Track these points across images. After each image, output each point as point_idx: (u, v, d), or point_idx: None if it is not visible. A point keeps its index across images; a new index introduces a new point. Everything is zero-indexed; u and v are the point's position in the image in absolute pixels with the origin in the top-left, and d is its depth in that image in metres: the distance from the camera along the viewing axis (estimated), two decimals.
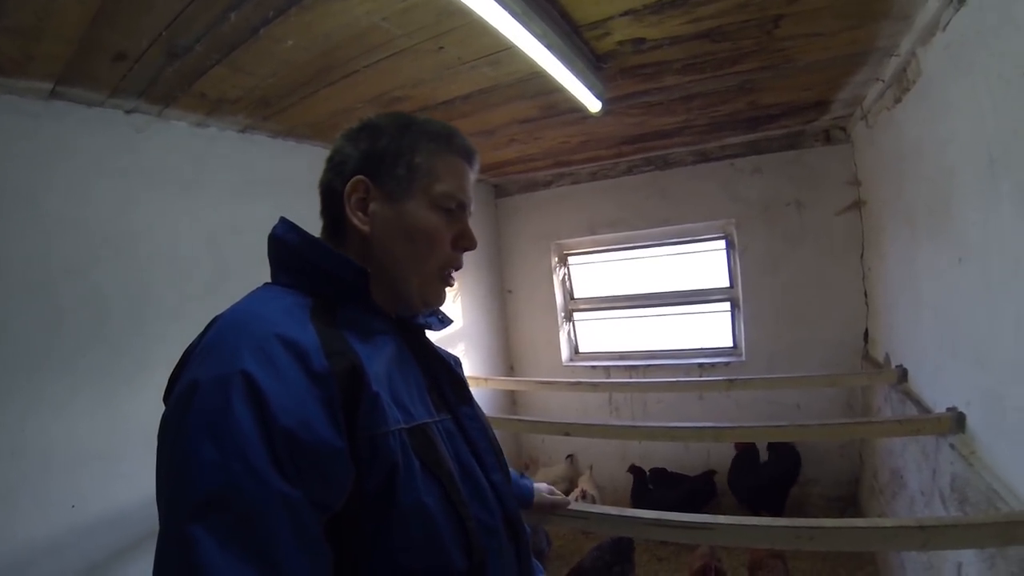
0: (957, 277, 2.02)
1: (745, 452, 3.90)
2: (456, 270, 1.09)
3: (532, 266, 4.90)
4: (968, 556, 1.83)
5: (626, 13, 1.92)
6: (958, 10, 1.75)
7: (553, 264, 4.82)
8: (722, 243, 4.30)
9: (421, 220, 1.01)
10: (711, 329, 4.41)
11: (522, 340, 5.02)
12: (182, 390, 0.74)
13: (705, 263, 4.41)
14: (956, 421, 2.01)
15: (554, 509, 1.66)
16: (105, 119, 2.14)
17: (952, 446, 2.01)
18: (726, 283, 4.29)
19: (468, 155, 1.09)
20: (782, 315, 3.94)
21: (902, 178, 2.62)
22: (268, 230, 0.99)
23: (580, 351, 4.95)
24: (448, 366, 1.13)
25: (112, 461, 2.04)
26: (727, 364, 4.15)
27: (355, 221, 1.00)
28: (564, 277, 4.91)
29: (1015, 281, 1.59)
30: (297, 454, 0.71)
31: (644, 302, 4.61)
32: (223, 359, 0.75)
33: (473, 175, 1.11)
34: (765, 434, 2.40)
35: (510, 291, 5.04)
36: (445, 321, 1.21)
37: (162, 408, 0.77)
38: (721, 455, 4.02)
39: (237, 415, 0.69)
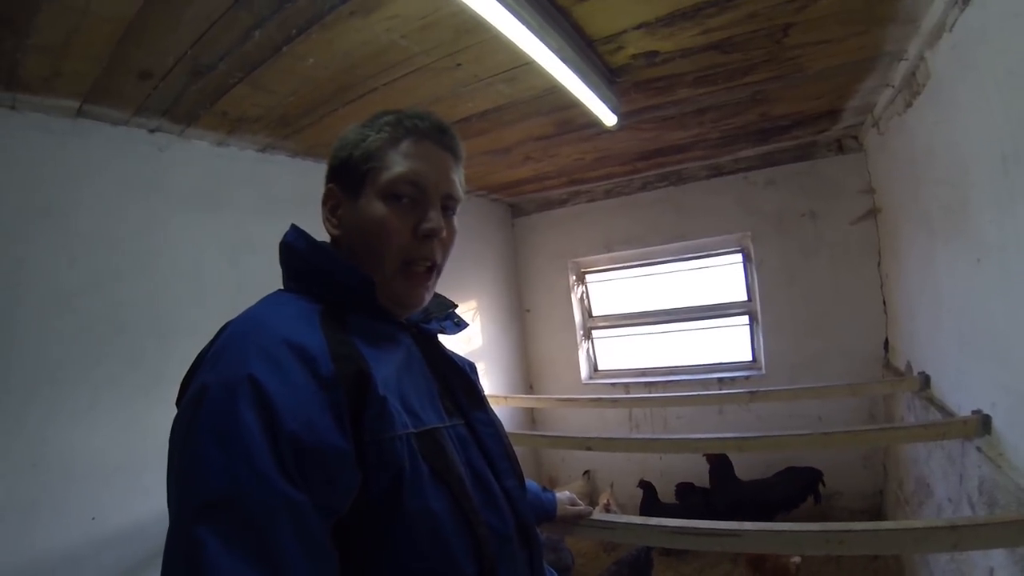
0: (976, 278, 2.01)
1: (718, 463, 3.85)
2: (427, 262, 1.01)
3: (550, 285, 4.92)
4: (999, 560, 1.79)
5: (639, 26, 1.96)
6: (963, 10, 1.77)
7: (571, 282, 4.84)
8: (739, 256, 4.31)
9: (371, 212, 0.97)
10: (730, 343, 4.39)
11: (541, 359, 5.02)
12: (192, 394, 0.76)
13: (722, 277, 4.40)
14: (982, 424, 1.98)
15: (578, 520, 1.63)
16: (130, 138, 2.20)
17: (979, 449, 1.97)
18: (744, 296, 4.28)
19: (429, 134, 1.01)
20: (801, 327, 3.92)
21: (917, 182, 2.61)
22: None
23: (599, 369, 4.94)
24: (462, 371, 1.11)
25: (132, 474, 2.06)
26: (747, 378, 4.13)
27: (327, 227, 1.03)
28: (582, 295, 4.92)
29: None
30: (302, 458, 0.71)
31: (662, 318, 4.60)
32: (232, 364, 0.76)
33: (445, 153, 1.03)
34: (789, 443, 2.37)
35: (528, 310, 5.06)
36: (461, 324, 1.19)
37: None
38: (742, 469, 3.97)
39: (244, 419, 0.70)
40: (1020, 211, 1.61)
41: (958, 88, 1.97)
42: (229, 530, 0.65)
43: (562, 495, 1.66)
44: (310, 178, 2.89)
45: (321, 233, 1.05)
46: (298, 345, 0.79)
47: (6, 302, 1.84)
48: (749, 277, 4.24)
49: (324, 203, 1.03)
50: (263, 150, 2.71)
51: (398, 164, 0.97)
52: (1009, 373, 1.80)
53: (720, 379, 4.21)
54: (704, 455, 3.82)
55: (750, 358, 4.29)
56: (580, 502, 1.69)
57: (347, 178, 0.99)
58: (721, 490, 3.84)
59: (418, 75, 2.09)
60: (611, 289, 4.91)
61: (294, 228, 1.01)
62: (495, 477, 0.99)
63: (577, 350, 4.82)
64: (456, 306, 1.20)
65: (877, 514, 3.76)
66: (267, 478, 0.68)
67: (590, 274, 4.94)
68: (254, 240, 2.57)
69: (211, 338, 0.88)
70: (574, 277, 4.87)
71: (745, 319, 4.29)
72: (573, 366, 4.83)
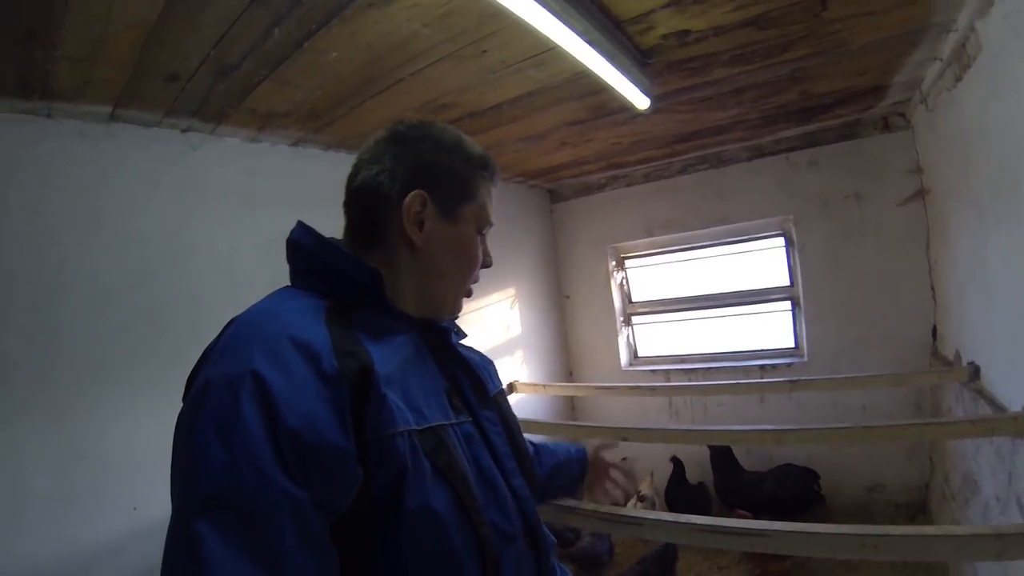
0: None
1: (720, 453, 3.85)
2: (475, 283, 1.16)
3: (589, 270, 4.87)
4: None
5: (668, 5, 1.88)
6: None
7: (610, 268, 4.78)
8: (781, 240, 4.19)
9: (469, 242, 1.09)
10: (772, 329, 4.29)
11: (581, 346, 4.98)
12: (196, 389, 0.78)
13: (764, 261, 4.29)
14: None
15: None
16: (162, 138, 2.24)
17: None
18: (786, 281, 4.17)
19: (497, 179, 1.16)
20: (845, 313, 3.80)
21: (967, 161, 2.49)
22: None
23: (639, 355, 4.88)
24: (470, 368, 1.12)
25: (169, 466, 2.09)
26: (789, 365, 4.02)
27: (412, 235, 1.02)
28: (622, 281, 4.87)
29: None
30: (303, 454, 0.72)
31: (703, 304, 4.52)
32: (235, 359, 0.77)
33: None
34: (828, 436, 2.30)
35: (568, 296, 5.02)
36: (460, 335, 1.22)
37: None
38: (783, 461, 3.91)
39: (245, 415, 0.71)
40: None
41: (1012, 60, 1.86)
42: (229, 525, 0.67)
43: (592, 441, 1.71)
44: (344, 169, 2.84)
45: (330, 230, 1.07)
46: (302, 341, 0.80)
47: (50, 304, 1.90)
48: (791, 261, 4.12)
49: (409, 207, 1.02)
50: (295, 144, 2.73)
51: (489, 205, 1.13)
52: None
53: (761, 366, 4.11)
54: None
55: (792, 345, 4.17)
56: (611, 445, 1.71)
57: (444, 197, 1.05)
58: (722, 478, 3.86)
59: (444, 63, 2.07)
60: (651, 274, 4.84)
61: (300, 225, 1.03)
62: (503, 476, 1.00)
63: (617, 337, 4.77)
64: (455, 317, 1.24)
65: (921, 509, 3.65)
66: (268, 474, 0.69)
67: (630, 259, 4.87)
68: (290, 232, 2.56)
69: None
70: (614, 262, 4.82)
71: (787, 305, 4.17)
72: (613, 353, 4.78)
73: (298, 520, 0.70)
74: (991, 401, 2.32)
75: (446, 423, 0.93)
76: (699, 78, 2.60)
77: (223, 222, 2.41)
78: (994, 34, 1.96)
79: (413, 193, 1.02)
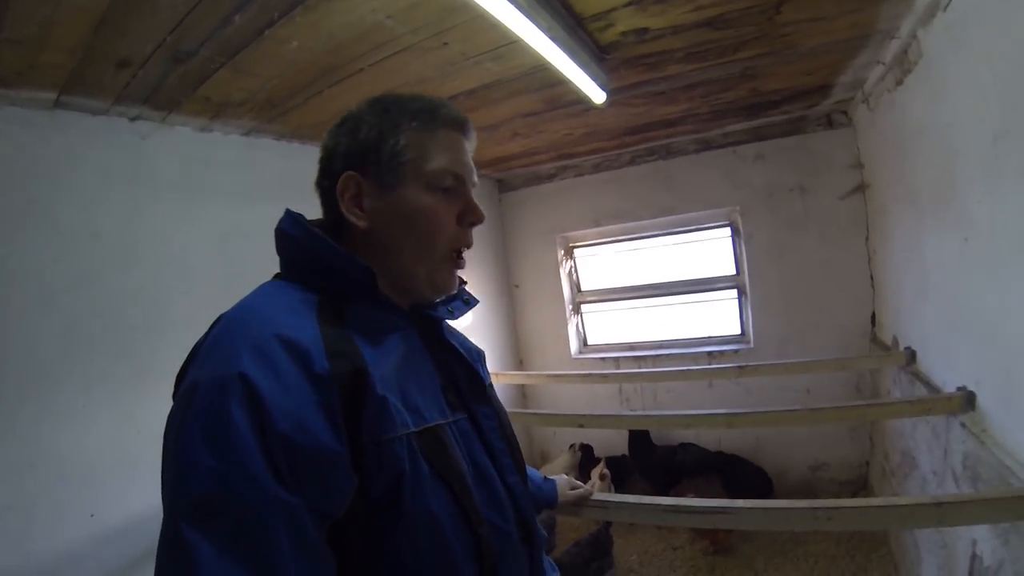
0: (964, 256, 2.03)
1: (637, 436, 4.19)
2: (467, 248, 1.05)
3: (538, 260, 4.91)
4: (982, 533, 1.85)
5: (629, 4, 1.93)
6: None
7: (559, 257, 4.83)
8: (727, 231, 4.31)
9: (419, 204, 0.97)
10: (719, 317, 4.42)
11: (530, 334, 5.03)
12: (183, 391, 0.75)
13: (711, 251, 4.42)
14: (966, 400, 2.02)
15: (580, 502, 1.67)
16: (110, 127, 2.16)
17: (963, 425, 2.02)
18: (732, 271, 4.30)
19: (458, 124, 1.03)
20: (789, 301, 3.95)
21: (905, 160, 2.62)
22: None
23: (589, 343, 4.96)
24: (465, 361, 1.09)
25: (127, 468, 2.07)
26: (736, 351, 4.16)
27: (352, 219, 0.98)
28: (570, 270, 4.92)
29: (1017, 258, 1.61)
30: (294, 459, 0.70)
31: (651, 292, 4.62)
32: (223, 360, 0.74)
33: (469, 144, 1.05)
34: (777, 419, 2.41)
35: (517, 285, 5.06)
36: (471, 302, 1.17)
37: None
38: (733, 443, 4.08)
39: (234, 419, 0.69)
40: (1008, 191, 1.64)
41: (950, 67, 1.97)
42: (221, 533, 0.65)
43: (561, 479, 1.69)
44: (296, 160, 2.86)
45: (314, 214, 1.04)
46: (292, 341, 0.77)
47: None
48: (738, 251, 4.25)
49: (342, 192, 0.97)
50: (248, 134, 2.67)
51: (441, 155, 0.99)
52: (996, 351, 1.84)
53: (709, 353, 4.24)
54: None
55: (739, 332, 4.31)
56: (580, 484, 1.73)
57: (378, 167, 0.97)
58: (637, 455, 4.22)
59: (405, 55, 2.05)
60: (600, 263, 4.92)
61: (289, 214, 0.98)
62: (498, 473, 0.98)
63: (566, 325, 4.83)
64: (465, 283, 1.15)
65: (863, 485, 3.85)
66: (259, 480, 0.67)
67: (579, 248, 4.94)
68: (242, 225, 2.55)
69: (205, 329, 0.87)
70: (562, 252, 4.87)
71: (734, 293, 4.30)
72: (563, 341, 4.85)
73: (292, 527, 0.68)
74: (927, 383, 2.48)
75: (443, 422, 0.91)
76: (654, 73, 2.66)
77: (174, 214, 2.34)
78: (935, 43, 2.06)
79: (344, 176, 0.97)
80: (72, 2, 1.45)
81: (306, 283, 0.92)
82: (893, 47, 2.45)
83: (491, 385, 1.15)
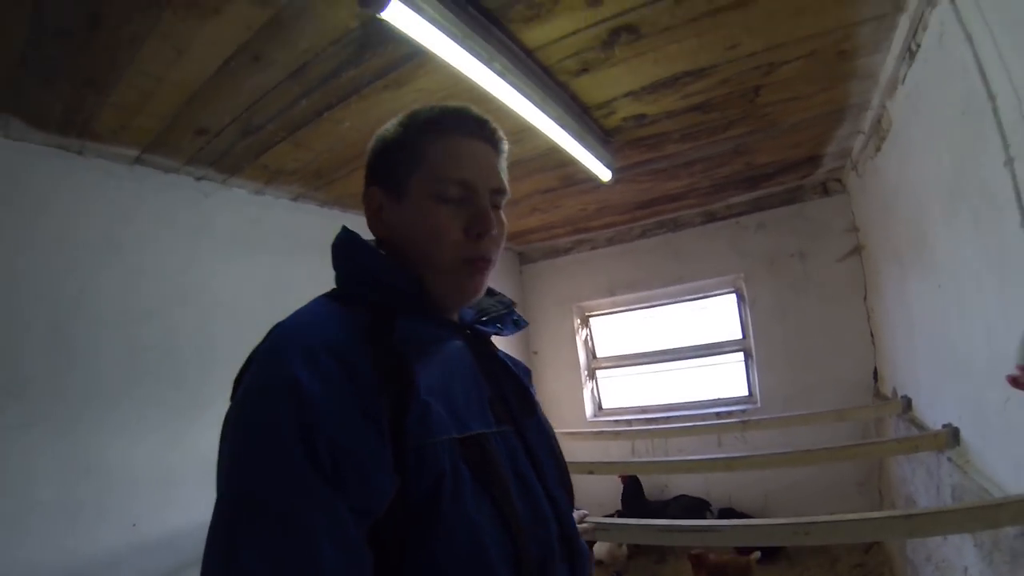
0: (939, 302, 2.25)
1: (630, 487, 4.26)
2: (483, 258, 0.97)
3: (556, 328, 5.13)
4: (972, 559, 1.96)
5: (627, 95, 2.29)
6: (911, 65, 2.06)
7: (575, 325, 5.05)
8: (733, 296, 4.54)
9: (422, 214, 0.93)
10: (727, 379, 4.58)
11: (548, 399, 5.13)
12: (239, 395, 0.79)
13: (718, 316, 4.64)
14: (952, 436, 2.17)
15: (589, 534, 1.73)
16: (178, 184, 2.47)
17: (950, 459, 2.16)
18: (739, 334, 4.49)
19: (470, 128, 0.97)
20: (794, 361, 4.11)
21: (888, 219, 2.88)
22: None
23: (603, 407, 5.11)
24: (514, 376, 1.06)
25: (171, 486, 2.24)
26: (743, 411, 4.29)
27: (374, 232, 1.00)
28: (586, 337, 5.14)
29: (979, 295, 1.82)
30: (339, 461, 0.71)
31: (662, 357, 4.81)
32: (275, 367, 0.77)
33: (488, 148, 1.00)
34: (773, 462, 2.55)
35: (535, 352, 5.25)
36: (520, 323, 1.13)
37: (216, 440, 0.80)
38: (743, 501, 4.17)
39: (282, 421, 0.71)
40: (965, 239, 1.87)
41: (912, 133, 2.26)
42: (266, 529, 0.67)
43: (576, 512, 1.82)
44: (337, 225, 3.07)
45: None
46: (340, 349, 0.79)
47: (68, 325, 2.06)
48: (743, 316, 4.45)
49: (366, 207, 0.99)
50: (295, 199, 2.98)
51: (445, 164, 0.94)
52: (971, 387, 2.01)
53: (718, 413, 4.38)
54: (619, 476, 4.22)
55: (746, 393, 4.47)
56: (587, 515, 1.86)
57: (390, 180, 0.97)
58: (630, 507, 4.24)
59: None
60: (614, 331, 5.13)
61: (344, 230, 0.99)
62: (542, 486, 0.95)
63: (582, 390, 5.00)
64: (514, 304, 1.14)
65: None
66: (304, 480, 0.69)
67: (594, 317, 5.17)
68: (287, 279, 2.81)
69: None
70: (579, 320, 5.09)
71: (740, 356, 4.48)
72: (579, 405, 5.01)
73: (334, 525, 0.69)
74: (920, 427, 2.62)
75: (487, 431, 0.90)
76: (654, 153, 2.99)
77: (229, 264, 2.61)
78: (899, 111, 2.35)
79: (367, 191, 0.99)
80: (173, 79, 1.77)
81: (357, 296, 0.93)
82: (869, 117, 2.75)
83: (537, 403, 1.11)
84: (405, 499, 0.77)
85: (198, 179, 2.54)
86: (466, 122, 0.97)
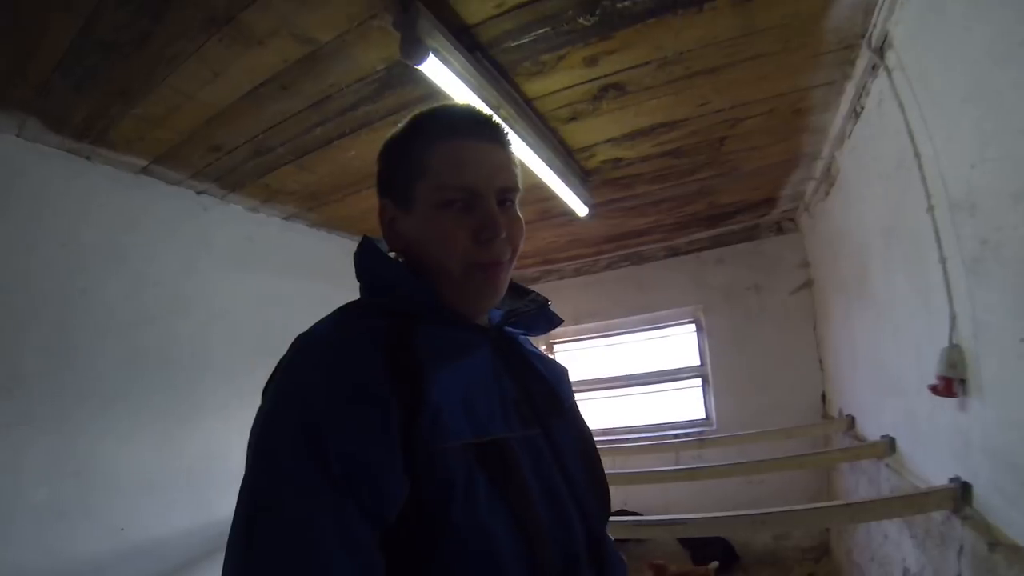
0: (877, 328, 2.54)
1: None
2: (493, 262, 0.93)
3: None
4: (909, 550, 2.17)
5: (607, 141, 2.55)
6: (855, 123, 2.35)
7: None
8: (692, 326, 4.81)
9: (428, 224, 0.91)
10: (685, 404, 4.81)
11: None
12: (261, 406, 0.80)
13: (677, 345, 4.90)
14: (889, 445, 2.44)
15: None
16: (180, 196, 2.55)
17: (887, 465, 2.43)
18: (697, 361, 4.75)
19: (471, 129, 0.93)
20: (748, 387, 4.36)
21: (836, 257, 3.19)
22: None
23: None
24: (543, 378, 1.03)
25: (161, 491, 2.26)
26: (700, 434, 4.46)
27: (389, 244, 0.99)
28: None
29: (910, 321, 2.09)
30: (350, 467, 0.72)
31: (624, 383, 5.03)
32: (294, 377, 0.79)
33: (490, 146, 0.94)
34: (730, 472, 2.77)
35: None
36: (554, 321, 1.10)
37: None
38: (701, 511, 4.25)
39: (297, 430, 0.73)
40: (898, 275, 2.17)
41: (855, 180, 2.57)
42: (279, 532, 0.69)
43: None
44: (325, 246, 3.28)
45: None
46: (355, 358, 0.80)
47: (69, 326, 2.10)
48: (701, 344, 4.72)
49: (380, 219, 0.98)
50: (287, 219, 3.11)
51: (446, 171, 0.90)
52: (904, 401, 2.26)
53: (676, 434, 4.56)
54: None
55: (703, 416, 4.70)
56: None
57: (398, 190, 0.94)
58: None
59: None
60: (578, 357, 5.33)
61: (365, 239, 0.97)
62: (569, 491, 0.92)
63: None
64: (548, 300, 1.09)
65: (826, 550, 4.02)
66: (313, 485, 0.70)
67: (559, 344, 5.38)
68: (278, 294, 2.89)
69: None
70: (544, 348, 5.15)
71: (698, 381, 4.73)
72: None
73: (345, 530, 0.70)
74: (863, 441, 2.89)
75: (509, 435, 0.87)
76: (627, 192, 3.26)
77: (224, 276, 2.70)
78: (846, 161, 2.66)
79: (380, 203, 0.98)
80: (201, 98, 1.90)
81: (378, 305, 0.93)
82: (820, 166, 3.06)
83: (574, 405, 1.09)
84: (417, 504, 0.76)
85: (199, 192, 2.63)
86: (467, 123, 0.94)
